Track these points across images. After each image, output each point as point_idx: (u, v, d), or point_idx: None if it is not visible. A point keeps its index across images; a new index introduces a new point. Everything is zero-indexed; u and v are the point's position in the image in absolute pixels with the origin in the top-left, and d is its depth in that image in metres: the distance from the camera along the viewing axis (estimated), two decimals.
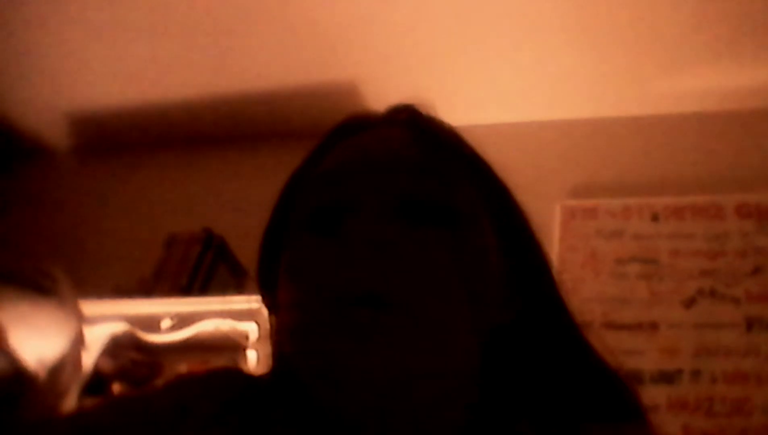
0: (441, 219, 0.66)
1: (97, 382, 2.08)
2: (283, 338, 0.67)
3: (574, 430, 0.65)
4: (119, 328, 2.18)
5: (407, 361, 0.62)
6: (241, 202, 2.09)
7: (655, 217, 2.26)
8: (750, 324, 2.08)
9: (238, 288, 2.28)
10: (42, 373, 1.78)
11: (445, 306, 0.64)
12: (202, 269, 2.34)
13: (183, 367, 2.12)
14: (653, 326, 2.12)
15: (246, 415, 0.65)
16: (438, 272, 0.64)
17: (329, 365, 0.62)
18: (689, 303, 2.13)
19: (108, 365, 2.16)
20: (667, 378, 2.05)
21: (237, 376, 0.71)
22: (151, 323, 2.19)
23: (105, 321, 2.16)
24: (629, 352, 2.08)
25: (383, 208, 0.65)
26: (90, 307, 2.04)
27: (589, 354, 0.70)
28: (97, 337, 2.13)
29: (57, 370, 1.82)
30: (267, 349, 0.74)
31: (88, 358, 2.07)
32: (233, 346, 2.09)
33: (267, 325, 0.73)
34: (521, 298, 0.69)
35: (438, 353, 0.64)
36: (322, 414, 0.64)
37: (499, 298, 0.68)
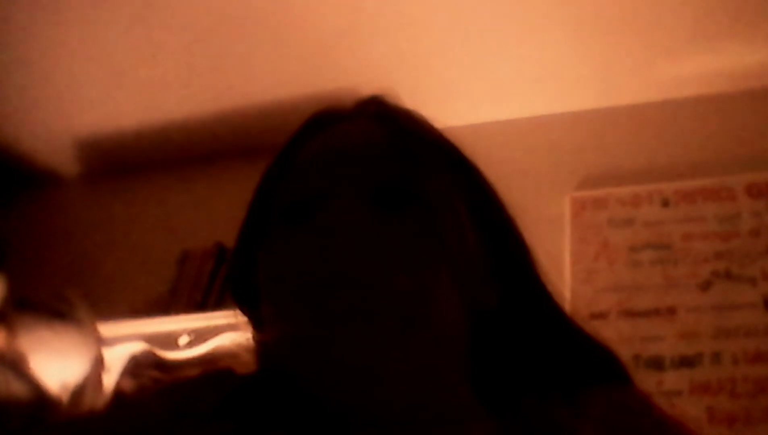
0: (414, 203, 0.66)
1: (119, 402, 2.08)
2: (266, 335, 0.68)
3: (573, 396, 0.66)
4: (138, 347, 2.18)
5: (391, 339, 0.62)
6: None
7: (665, 203, 2.25)
8: None
9: None
10: (64, 397, 1.79)
11: (425, 284, 0.64)
12: (216, 284, 2.35)
13: None
14: (671, 311, 2.12)
15: (240, 415, 0.66)
16: (415, 253, 0.65)
17: (311, 352, 0.63)
18: (705, 286, 2.13)
19: (129, 385, 2.16)
20: (688, 362, 2.05)
21: (229, 377, 0.72)
22: (169, 341, 2.20)
23: (123, 341, 2.17)
24: (648, 338, 2.07)
25: (355, 196, 0.66)
26: (108, 328, 2.05)
27: (574, 330, 0.72)
28: (116, 358, 2.14)
29: (79, 392, 1.83)
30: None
31: (109, 379, 2.08)
32: (251, 358, 2.09)
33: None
34: (502, 282, 0.70)
35: (423, 331, 0.64)
36: (312, 408, 0.65)
37: (480, 280, 0.68)
